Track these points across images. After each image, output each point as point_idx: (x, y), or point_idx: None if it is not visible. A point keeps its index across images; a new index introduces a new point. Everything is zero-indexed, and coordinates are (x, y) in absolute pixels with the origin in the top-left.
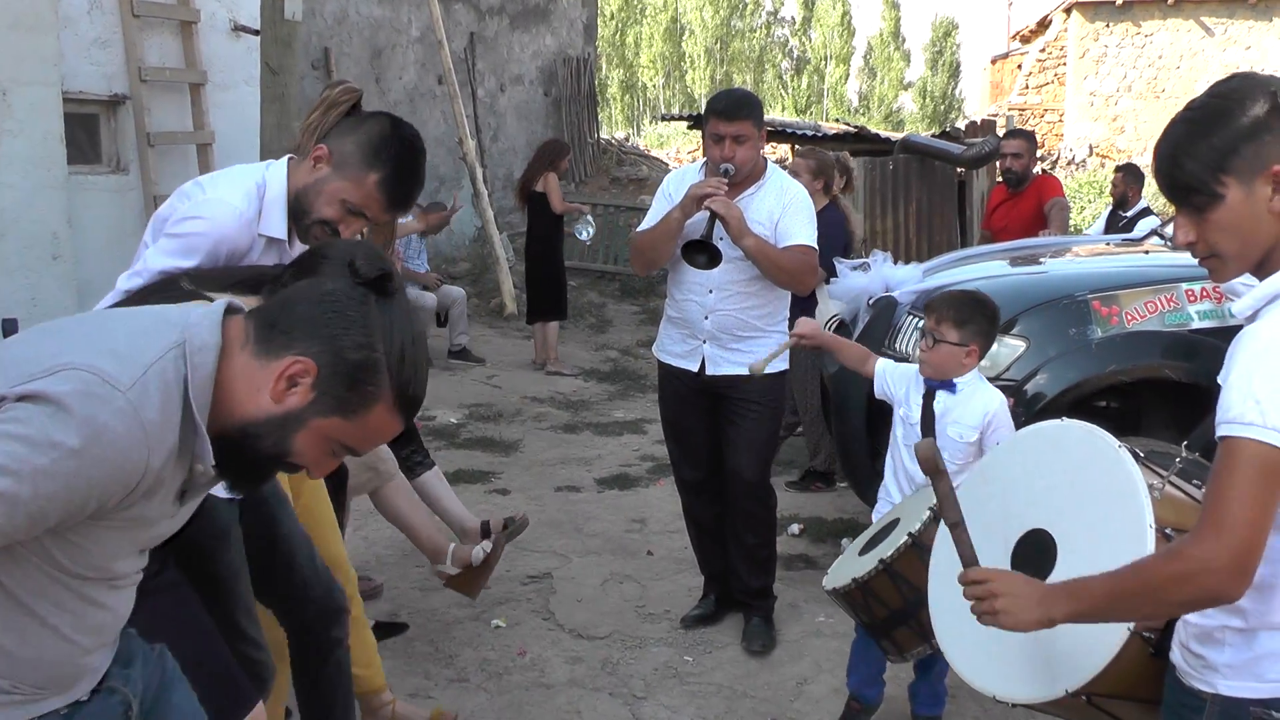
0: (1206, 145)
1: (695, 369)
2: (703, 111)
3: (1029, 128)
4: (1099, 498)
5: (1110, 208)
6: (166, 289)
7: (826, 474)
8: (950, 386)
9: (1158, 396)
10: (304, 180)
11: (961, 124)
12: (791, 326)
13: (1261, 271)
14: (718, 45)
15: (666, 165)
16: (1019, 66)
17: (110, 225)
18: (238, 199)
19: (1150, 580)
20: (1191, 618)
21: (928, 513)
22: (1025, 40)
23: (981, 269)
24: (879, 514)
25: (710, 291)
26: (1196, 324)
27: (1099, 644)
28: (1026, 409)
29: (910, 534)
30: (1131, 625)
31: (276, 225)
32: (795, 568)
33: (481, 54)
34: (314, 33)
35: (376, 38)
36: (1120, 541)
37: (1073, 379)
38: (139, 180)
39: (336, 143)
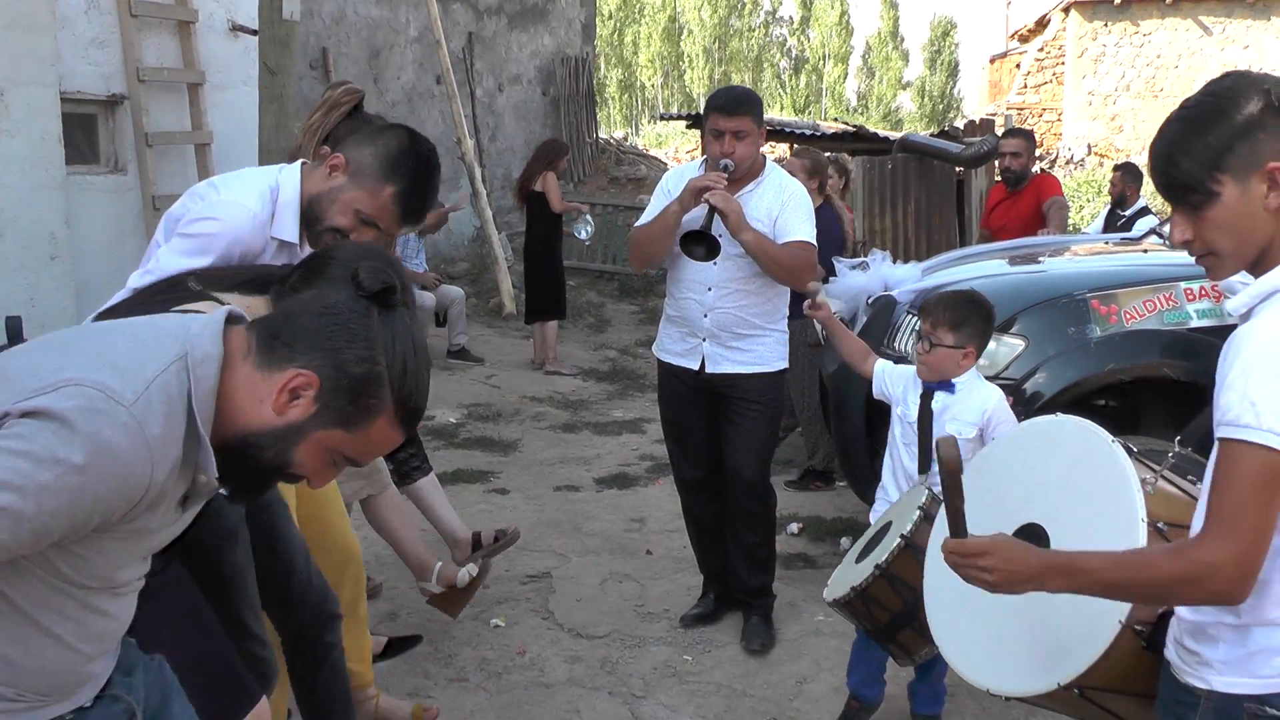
0: (1202, 144)
1: (695, 367)
2: (703, 108)
3: (1027, 127)
4: (1092, 492)
5: (1109, 207)
6: (174, 288)
7: (825, 473)
8: (948, 387)
9: (1157, 395)
10: (318, 187)
11: (960, 123)
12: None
13: (1257, 269)
14: (716, 45)
15: (665, 164)
16: (1017, 66)
17: (108, 225)
18: (252, 201)
19: (1155, 577)
20: (1186, 614)
21: (918, 513)
22: (1024, 39)
23: (980, 268)
24: (877, 513)
25: (709, 289)
26: (1195, 322)
27: (1091, 637)
28: (1025, 408)
29: (903, 536)
30: (1123, 619)
31: (289, 229)
32: (794, 567)
33: (480, 54)
34: (312, 33)
35: (374, 38)
36: (1112, 535)
37: (1072, 378)
38: (137, 180)
39: (353, 152)
